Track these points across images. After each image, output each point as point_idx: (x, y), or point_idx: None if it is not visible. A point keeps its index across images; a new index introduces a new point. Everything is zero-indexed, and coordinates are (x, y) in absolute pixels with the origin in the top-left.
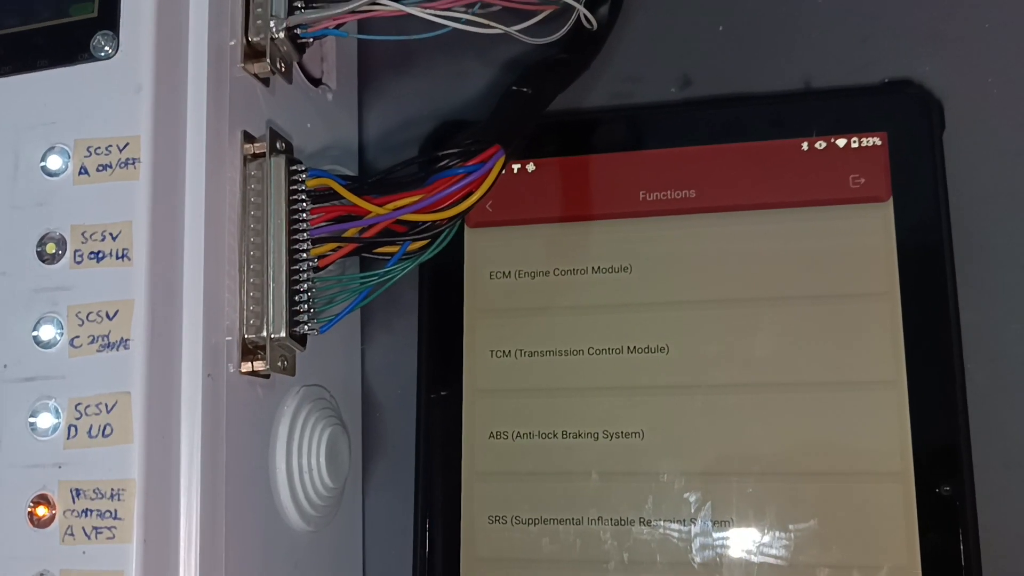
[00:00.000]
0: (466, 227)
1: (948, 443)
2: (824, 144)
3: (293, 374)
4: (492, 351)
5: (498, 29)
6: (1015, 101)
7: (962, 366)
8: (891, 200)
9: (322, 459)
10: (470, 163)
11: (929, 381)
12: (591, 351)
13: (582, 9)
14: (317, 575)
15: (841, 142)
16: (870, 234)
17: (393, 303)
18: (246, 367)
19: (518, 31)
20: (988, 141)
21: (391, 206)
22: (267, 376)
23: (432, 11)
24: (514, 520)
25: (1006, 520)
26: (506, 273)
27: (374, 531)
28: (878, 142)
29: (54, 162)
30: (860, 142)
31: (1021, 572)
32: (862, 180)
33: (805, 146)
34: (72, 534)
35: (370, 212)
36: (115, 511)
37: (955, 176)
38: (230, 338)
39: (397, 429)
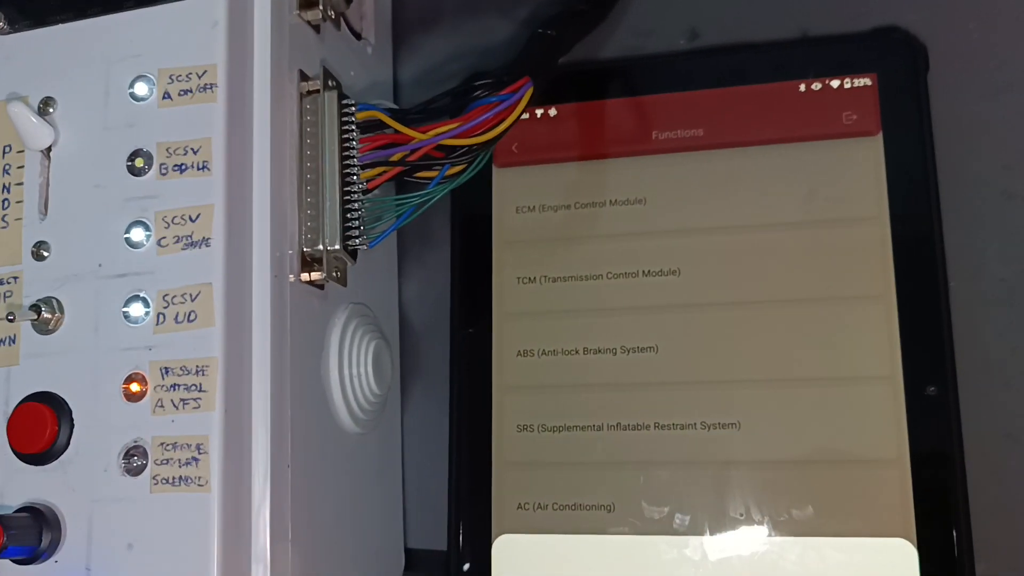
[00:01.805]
0: (494, 167)
1: (934, 350)
2: (819, 85)
3: (345, 284)
4: (519, 278)
5: None
6: (992, 44)
7: (946, 282)
8: (881, 134)
9: (369, 367)
10: (502, 92)
11: (916, 295)
12: (609, 275)
13: None
14: (364, 473)
15: (835, 83)
16: (862, 165)
17: (426, 240)
18: (305, 276)
19: None
20: (968, 80)
21: (432, 133)
22: (322, 286)
23: None
24: (540, 428)
25: (986, 416)
26: (531, 207)
27: (412, 440)
28: (868, 83)
29: (140, 88)
30: (852, 83)
31: (1001, 463)
32: (854, 117)
33: (802, 87)
34: (162, 406)
35: (413, 139)
36: (200, 384)
37: (939, 112)
38: (291, 251)
39: (432, 351)
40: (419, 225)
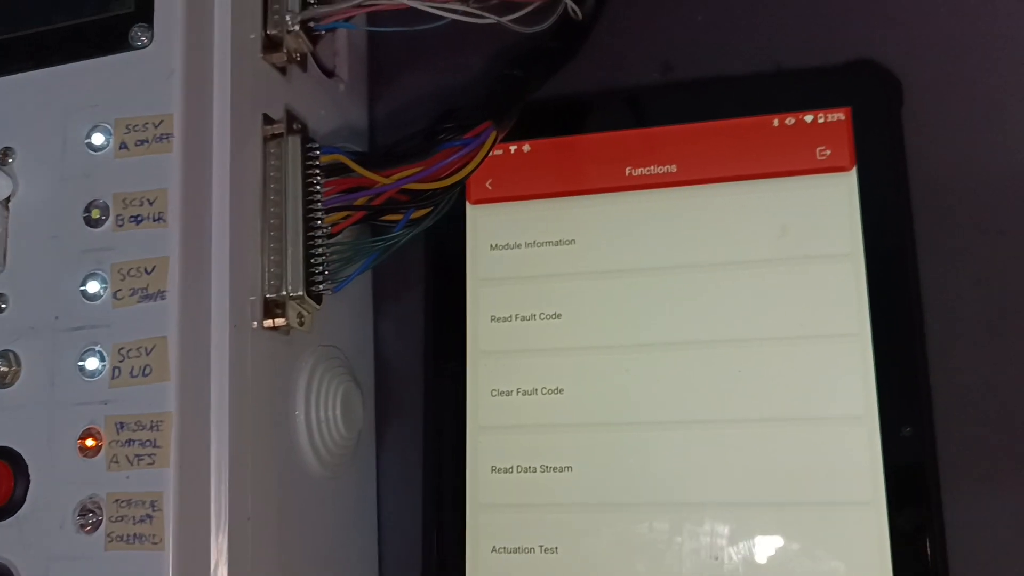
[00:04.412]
0: (468, 204)
1: (910, 389)
2: (793, 120)
3: (310, 331)
4: (492, 316)
5: (491, 19)
6: (966, 78)
7: (922, 320)
8: (855, 170)
9: (338, 411)
10: (465, 136)
11: (892, 333)
12: (583, 314)
13: (569, 1)
14: (335, 516)
15: (808, 118)
16: (836, 200)
17: (401, 278)
18: (268, 323)
19: (509, 20)
20: (943, 115)
21: (395, 176)
22: (287, 332)
23: (432, 4)
24: (516, 469)
25: (963, 457)
26: (505, 245)
27: (387, 481)
28: (842, 117)
29: (97, 139)
30: (826, 118)
31: (979, 504)
32: (828, 152)
33: (776, 122)
34: (117, 461)
35: (377, 183)
36: (154, 440)
37: (913, 147)
38: (253, 297)
39: (407, 391)
40: (394, 262)
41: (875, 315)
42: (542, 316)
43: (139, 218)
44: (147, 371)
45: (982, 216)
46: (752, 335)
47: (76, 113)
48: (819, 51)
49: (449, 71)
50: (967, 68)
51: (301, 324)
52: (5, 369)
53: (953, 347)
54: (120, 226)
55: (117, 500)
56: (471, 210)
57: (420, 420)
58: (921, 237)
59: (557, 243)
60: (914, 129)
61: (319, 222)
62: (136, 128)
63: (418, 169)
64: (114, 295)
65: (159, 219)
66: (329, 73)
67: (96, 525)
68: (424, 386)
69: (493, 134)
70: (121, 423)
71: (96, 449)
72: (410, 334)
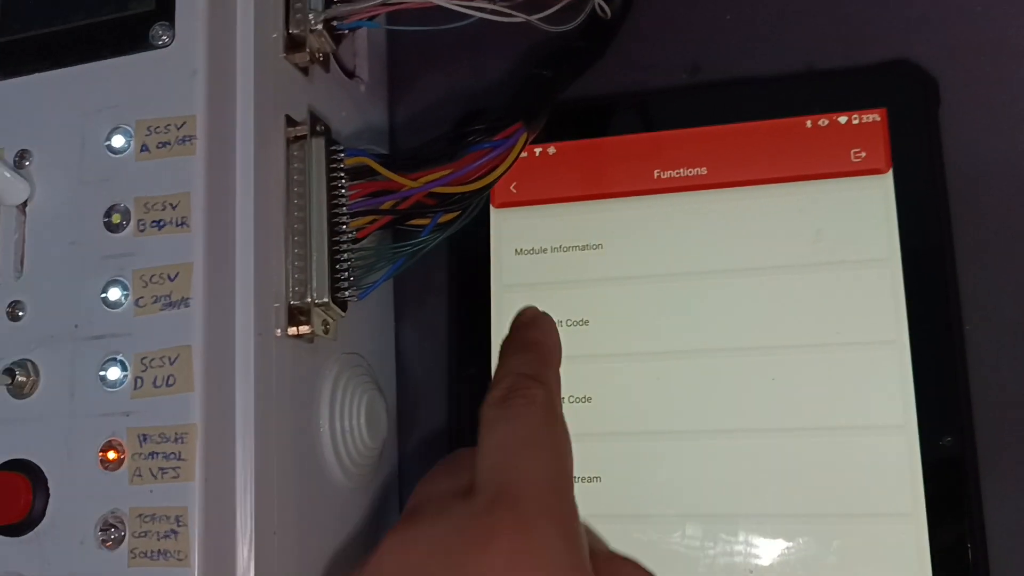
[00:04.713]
0: (492, 208)
1: (950, 397)
2: (826, 121)
3: (335, 338)
4: None
5: (519, 17)
6: (1005, 77)
7: (961, 325)
8: (891, 172)
9: (362, 420)
10: (495, 138)
11: (930, 340)
12: (611, 320)
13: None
14: (358, 527)
15: (842, 119)
16: (871, 204)
17: (425, 283)
18: (292, 331)
19: (537, 19)
20: (981, 115)
21: (423, 180)
22: (311, 340)
23: (457, 2)
24: None
25: (1005, 467)
26: (530, 249)
27: (410, 491)
28: (877, 118)
29: (117, 141)
30: (860, 119)
31: (1021, 515)
32: (863, 154)
33: (809, 124)
34: (140, 475)
35: (404, 186)
36: (179, 453)
37: (950, 148)
38: (278, 304)
39: (430, 399)
40: (417, 267)
41: (913, 321)
42: (569, 323)
43: (161, 223)
44: (171, 381)
45: (1022, 219)
46: (786, 342)
47: (95, 114)
48: (852, 50)
49: (469, 71)
50: (1004, 67)
51: (326, 331)
52: (23, 379)
53: (993, 353)
54: (142, 231)
55: (140, 515)
56: (495, 214)
57: (444, 429)
58: (959, 241)
59: (584, 248)
60: (951, 130)
61: (344, 227)
62: (158, 130)
63: (447, 172)
64: (136, 302)
65: (182, 224)
66: (350, 74)
67: (118, 541)
68: (448, 395)
69: (524, 135)
70: (144, 435)
71: (118, 462)
72: (433, 341)
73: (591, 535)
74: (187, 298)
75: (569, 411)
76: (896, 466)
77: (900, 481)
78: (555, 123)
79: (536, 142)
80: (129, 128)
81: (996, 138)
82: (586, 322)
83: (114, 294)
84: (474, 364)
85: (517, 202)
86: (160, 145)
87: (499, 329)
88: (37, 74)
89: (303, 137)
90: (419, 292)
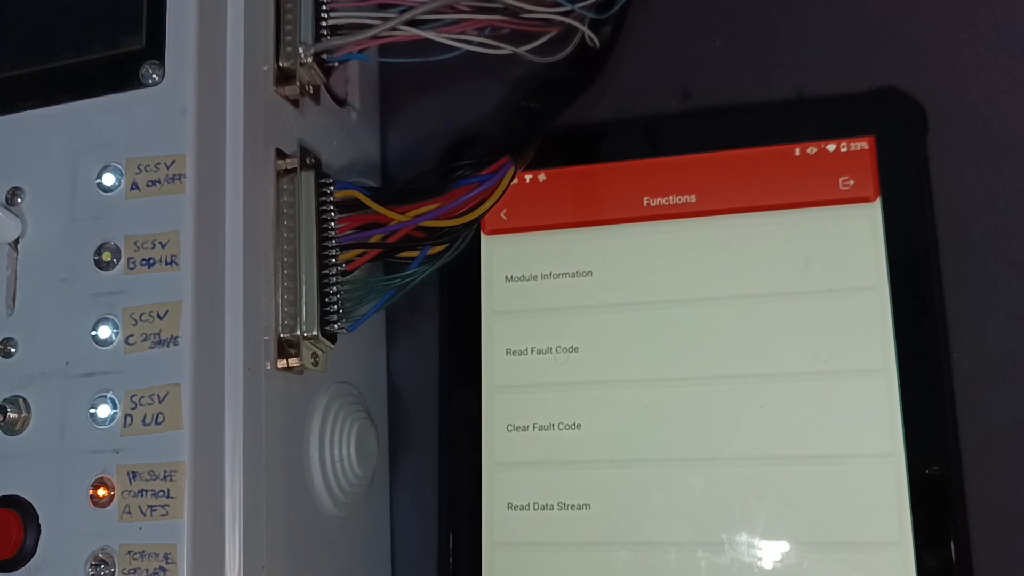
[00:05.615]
0: (482, 235)
1: (937, 426)
2: (815, 149)
3: (324, 371)
4: (508, 349)
5: (507, 50)
6: (993, 105)
7: (948, 354)
8: (879, 200)
9: (352, 450)
10: (483, 172)
11: (918, 368)
12: (601, 347)
13: (586, 30)
14: (349, 556)
15: (831, 147)
16: (859, 232)
17: (416, 308)
18: (282, 364)
19: (526, 51)
20: (969, 143)
21: (412, 213)
22: (301, 372)
23: (447, 35)
24: (533, 506)
25: (992, 496)
26: (520, 276)
27: (401, 518)
28: (865, 146)
29: (108, 179)
30: (849, 147)
31: (1009, 544)
32: (851, 182)
33: (798, 151)
34: (129, 512)
35: (393, 220)
36: (168, 490)
37: (939, 176)
38: (267, 337)
39: (421, 424)
40: (407, 295)
41: (901, 349)
42: (559, 349)
43: (151, 261)
44: (160, 419)
45: (1011, 247)
46: (774, 370)
47: (86, 152)
48: (841, 78)
49: (461, 101)
50: (993, 95)
51: (315, 364)
52: (15, 416)
53: (980, 381)
54: (132, 269)
55: (130, 552)
56: (486, 241)
57: (434, 456)
58: (947, 269)
59: (574, 275)
60: (939, 158)
61: (333, 259)
62: (148, 168)
63: (435, 206)
64: (126, 340)
65: (172, 262)
66: (341, 101)
67: None
68: (439, 421)
69: (512, 169)
70: (134, 472)
71: (108, 499)
72: (424, 367)
73: None
74: (176, 336)
75: (559, 438)
76: (883, 494)
77: (888, 509)
78: (545, 150)
79: (526, 169)
80: (119, 166)
81: (984, 166)
82: (576, 349)
83: (104, 332)
84: (465, 390)
85: (507, 229)
86: (150, 183)
87: (490, 355)
88: (28, 111)
89: (293, 170)
90: (410, 318)
